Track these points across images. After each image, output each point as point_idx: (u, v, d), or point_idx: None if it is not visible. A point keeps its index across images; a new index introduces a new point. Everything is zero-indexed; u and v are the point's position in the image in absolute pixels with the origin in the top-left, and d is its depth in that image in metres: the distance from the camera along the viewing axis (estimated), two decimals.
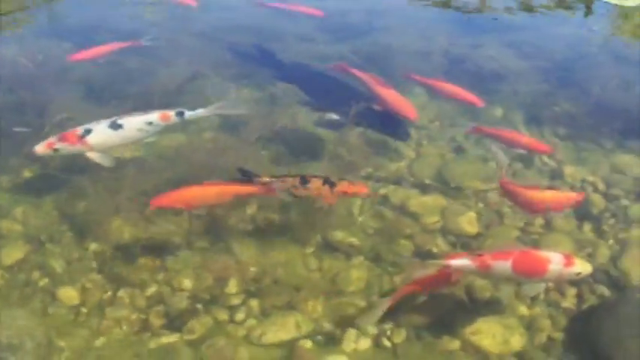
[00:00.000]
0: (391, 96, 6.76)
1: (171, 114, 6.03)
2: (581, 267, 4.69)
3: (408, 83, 7.54)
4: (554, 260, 4.63)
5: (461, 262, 4.66)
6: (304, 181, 5.40)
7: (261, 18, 9.60)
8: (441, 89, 7.34)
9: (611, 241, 5.78)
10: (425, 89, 7.59)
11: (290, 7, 9.71)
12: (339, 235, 5.63)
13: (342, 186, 5.39)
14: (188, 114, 6.08)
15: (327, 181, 5.40)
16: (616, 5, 11.03)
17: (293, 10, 9.63)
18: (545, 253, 4.76)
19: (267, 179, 5.41)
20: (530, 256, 4.76)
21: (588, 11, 11.00)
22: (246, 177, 5.43)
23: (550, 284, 5.14)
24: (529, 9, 10.88)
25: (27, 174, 6.27)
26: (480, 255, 4.69)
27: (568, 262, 4.64)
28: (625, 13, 10.89)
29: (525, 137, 6.74)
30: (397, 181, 6.41)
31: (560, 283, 5.21)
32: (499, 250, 4.75)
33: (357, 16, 9.82)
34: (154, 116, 5.98)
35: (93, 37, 8.31)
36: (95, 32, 8.69)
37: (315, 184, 5.39)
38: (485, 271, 4.69)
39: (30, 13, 9.63)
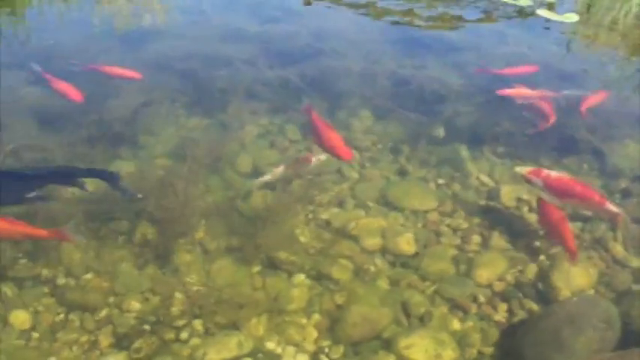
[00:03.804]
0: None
1: None
2: None
3: None
4: None
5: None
6: None
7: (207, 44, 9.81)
8: None
9: (541, 257, 6.07)
10: None
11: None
12: (282, 255, 5.84)
13: None
14: None
15: None
16: (550, 20, 11.40)
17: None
18: None
19: None
20: None
21: (527, 27, 11.33)
22: None
23: None
24: (473, 27, 11.23)
25: None
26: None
27: None
28: (565, 28, 11.24)
29: None
30: (339, 203, 6.66)
31: None
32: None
33: (302, 40, 10.07)
34: None
35: (51, 66, 8.50)
36: (54, 61, 8.85)
37: None
38: None
39: None
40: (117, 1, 11.52)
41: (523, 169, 6.58)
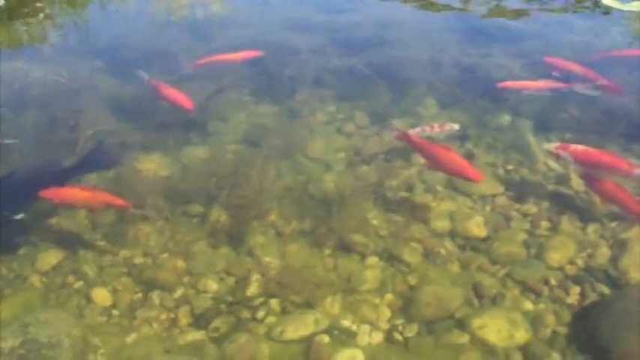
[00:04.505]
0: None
1: None
2: None
3: None
4: None
5: None
6: None
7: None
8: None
9: (612, 242, 6.04)
10: None
11: None
12: (354, 238, 5.93)
13: None
14: None
15: None
16: (616, 9, 11.23)
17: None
18: None
19: None
20: None
21: (593, 17, 11.18)
22: None
23: None
24: (538, 17, 11.13)
25: None
26: None
27: None
28: (631, 17, 11.07)
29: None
30: (408, 188, 6.71)
31: None
32: None
33: (367, 29, 10.16)
34: None
35: (120, 55, 8.73)
36: (122, 50, 9.11)
37: None
38: None
39: (60, 33, 10.07)
40: None
41: (551, 146, 6.68)
